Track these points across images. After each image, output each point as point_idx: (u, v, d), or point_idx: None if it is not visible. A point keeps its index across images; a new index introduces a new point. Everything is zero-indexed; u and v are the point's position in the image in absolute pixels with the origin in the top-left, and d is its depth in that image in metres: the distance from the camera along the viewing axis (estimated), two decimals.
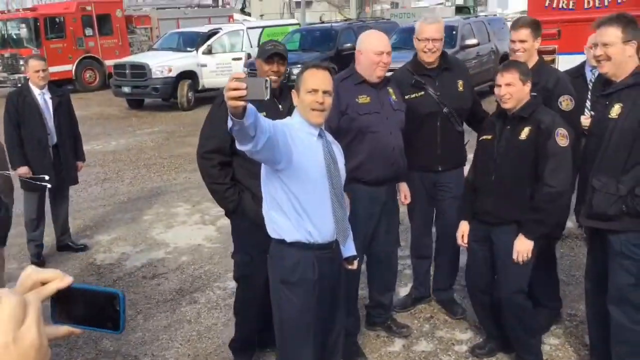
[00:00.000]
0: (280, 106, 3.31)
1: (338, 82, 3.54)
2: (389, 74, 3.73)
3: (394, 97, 3.61)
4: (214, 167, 3.30)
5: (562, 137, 3.09)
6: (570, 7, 5.80)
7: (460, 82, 3.91)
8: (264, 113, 2.68)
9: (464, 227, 3.53)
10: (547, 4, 5.91)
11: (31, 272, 0.79)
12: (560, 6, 5.84)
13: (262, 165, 2.68)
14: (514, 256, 3.21)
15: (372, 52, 3.45)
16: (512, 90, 3.14)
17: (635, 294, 2.91)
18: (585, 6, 5.74)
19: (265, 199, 2.76)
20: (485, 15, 20.89)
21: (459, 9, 36.15)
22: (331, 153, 2.73)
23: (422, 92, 3.81)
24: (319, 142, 2.71)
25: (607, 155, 2.88)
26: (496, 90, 3.24)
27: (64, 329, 0.80)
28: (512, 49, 3.75)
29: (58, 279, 0.79)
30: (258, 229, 2.90)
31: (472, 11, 36.19)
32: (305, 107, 2.65)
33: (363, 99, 3.48)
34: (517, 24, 3.74)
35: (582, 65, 4.80)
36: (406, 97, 3.76)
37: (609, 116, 2.89)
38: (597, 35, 2.94)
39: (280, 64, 3.31)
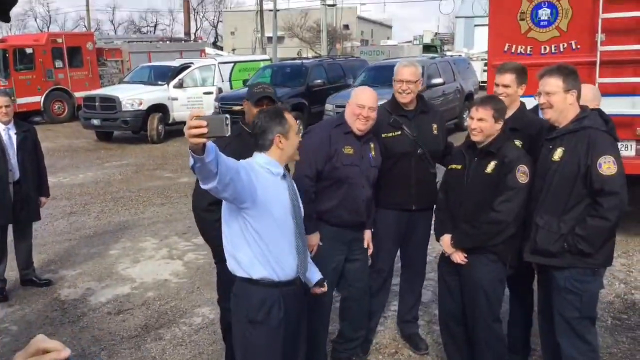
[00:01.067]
0: None
1: (331, 128, 3.68)
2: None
3: (373, 153, 3.75)
4: (218, 221, 2.99)
5: (522, 174, 3.23)
6: (528, 52, 6.09)
7: (435, 126, 4.05)
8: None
9: (446, 239, 3.51)
10: (505, 49, 6.19)
11: (37, 340, 0.97)
12: (518, 51, 6.12)
13: (224, 204, 2.73)
14: (445, 249, 3.46)
15: (355, 104, 3.59)
16: (483, 126, 3.28)
17: (581, 327, 3.05)
18: (542, 52, 6.03)
19: (227, 238, 2.79)
20: (451, 55, 21.52)
21: (427, 48, 37.28)
22: (295, 194, 2.83)
23: (399, 132, 3.94)
24: (284, 181, 2.79)
25: (550, 195, 3.06)
26: (468, 121, 3.38)
27: None
28: (495, 92, 3.76)
29: (57, 351, 0.94)
30: None
31: (438, 50, 37.30)
32: (291, 150, 2.80)
33: (348, 149, 3.61)
34: (503, 69, 3.79)
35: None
36: (383, 135, 3.88)
37: (552, 159, 3.07)
38: (540, 85, 3.13)
39: (269, 107, 3.40)
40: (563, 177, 3.02)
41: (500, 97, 3.59)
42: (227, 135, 2.19)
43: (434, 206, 3.84)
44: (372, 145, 3.74)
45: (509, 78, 3.69)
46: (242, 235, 2.71)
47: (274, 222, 2.70)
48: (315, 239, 3.57)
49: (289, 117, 2.82)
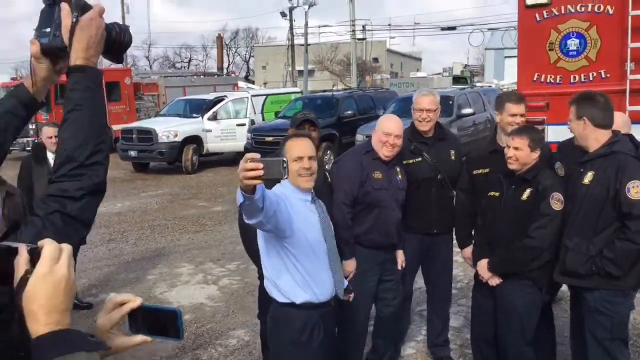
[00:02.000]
0: None
1: (362, 154, 3.84)
2: None
3: (400, 176, 3.90)
4: None
5: (556, 202, 3.30)
6: (558, 81, 6.18)
7: (452, 152, 4.20)
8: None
9: (483, 263, 3.58)
10: (535, 78, 6.28)
11: (111, 297, 1.15)
12: (547, 80, 6.21)
13: (259, 236, 2.84)
14: (481, 273, 3.52)
15: (382, 132, 3.75)
16: (519, 155, 3.37)
17: (613, 347, 3.08)
18: (572, 81, 6.11)
19: (266, 266, 2.90)
20: (481, 86, 21.62)
21: (456, 79, 37.38)
22: (325, 216, 2.94)
23: (420, 159, 4.08)
24: (313, 206, 2.91)
25: (580, 218, 3.13)
26: (506, 150, 3.47)
27: (139, 338, 1.09)
28: (510, 122, 3.75)
29: (131, 301, 1.11)
30: None
31: (468, 81, 37.36)
32: (293, 174, 2.79)
33: (377, 174, 3.76)
34: (515, 99, 3.84)
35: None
36: (404, 162, 4.02)
37: (582, 182, 3.14)
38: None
39: (312, 130, 3.56)
40: (592, 200, 3.09)
41: (513, 127, 3.65)
42: (285, 178, 2.23)
43: (454, 229, 3.94)
44: (397, 169, 3.88)
45: (523, 108, 3.78)
46: (282, 262, 2.80)
47: (309, 245, 2.80)
48: (352, 264, 3.69)
49: (291, 143, 2.87)
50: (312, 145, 2.91)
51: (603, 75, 6.01)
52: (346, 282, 3.20)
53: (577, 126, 3.20)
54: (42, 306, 0.97)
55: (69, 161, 1.37)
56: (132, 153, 15.32)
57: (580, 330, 3.24)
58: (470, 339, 3.98)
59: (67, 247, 1.03)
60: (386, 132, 3.73)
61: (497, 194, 3.55)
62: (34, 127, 16.16)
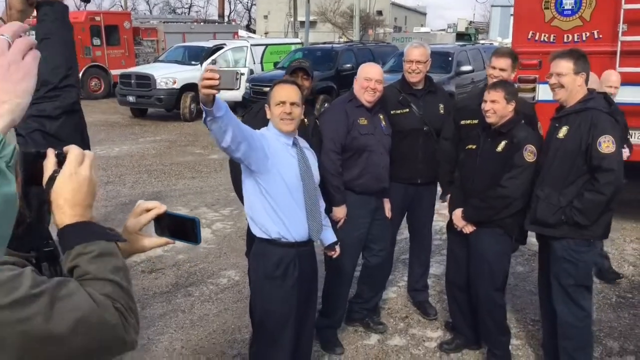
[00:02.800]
0: (305, 120, 3.58)
1: (345, 103, 3.96)
2: None
3: (384, 122, 4.02)
4: None
5: (529, 153, 3.46)
6: (551, 40, 6.24)
7: (441, 106, 4.30)
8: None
9: (458, 213, 3.76)
10: (529, 37, 6.33)
11: (140, 203, 1.33)
12: (541, 39, 6.27)
13: (242, 170, 3.01)
14: (455, 222, 3.72)
15: (363, 77, 3.86)
16: (496, 107, 3.51)
17: (577, 293, 3.30)
18: (565, 40, 6.16)
19: (246, 202, 3.09)
20: (483, 44, 21.45)
21: (460, 36, 36.98)
22: (305, 160, 3.07)
23: (407, 110, 4.20)
24: (294, 150, 3.05)
25: (552, 170, 3.29)
26: (482, 104, 3.61)
27: (164, 239, 1.30)
28: (490, 75, 3.96)
29: (157, 207, 1.31)
30: None
31: (472, 39, 36.95)
32: (275, 117, 2.99)
33: (362, 120, 3.88)
34: (500, 53, 4.00)
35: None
36: (392, 112, 4.14)
37: (557, 136, 3.29)
38: (552, 67, 3.34)
39: (304, 79, 3.67)
40: (565, 153, 3.25)
41: (494, 81, 3.77)
42: (237, 88, 2.41)
43: (439, 177, 4.13)
44: (381, 116, 4.01)
45: (504, 62, 3.87)
46: (258, 199, 2.98)
47: (285, 185, 2.96)
48: (343, 210, 3.85)
49: (277, 88, 3.02)
50: (297, 92, 3.02)
51: (596, 36, 6.07)
52: (332, 237, 3.35)
53: (573, 81, 3.27)
54: (67, 200, 1.12)
55: (44, 84, 1.55)
56: (131, 98, 15.35)
57: (547, 277, 3.45)
58: (445, 285, 4.20)
59: (89, 153, 1.18)
60: (367, 77, 3.84)
61: (474, 146, 3.69)
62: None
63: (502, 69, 3.89)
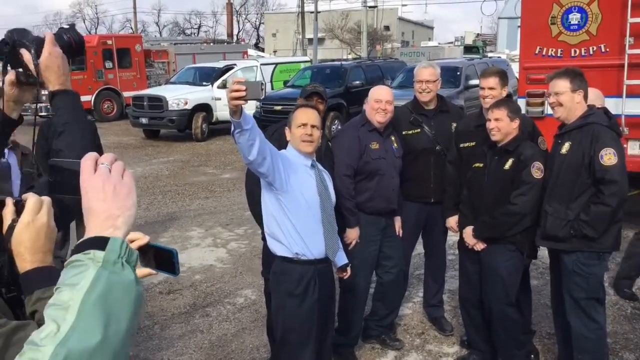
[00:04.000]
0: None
1: (358, 128, 4.07)
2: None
3: (395, 145, 4.12)
4: None
5: (537, 170, 3.54)
6: (559, 55, 6.31)
7: (454, 125, 4.36)
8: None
9: (468, 231, 3.85)
10: (537, 52, 6.40)
11: None
12: (549, 54, 6.35)
13: (262, 188, 3.13)
14: (467, 240, 3.76)
15: (373, 99, 3.97)
16: (500, 125, 3.59)
17: (589, 306, 3.35)
18: (572, 55, 6.23)
19: (266, 220, 3.19)
20: (490, 57, 21.54)
21: (468, 49, 37.09)
22: (323, 181, 3.21)
23: (419, 130, 4.28)
24: (312, 171, 3.18)
25: (558, 185, 3.37)
26: (487, 123, 3.69)
27: (147, 270, 1.31)
28: (481, 95, 4.05)
29: (140, 238, 1.32)
30: None
31: (480, 51, 37.05)
32: (296, 139, 3.14)
33: (374, 145, 3.98)
34: (487, 73, 4.10)
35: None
36: (403, 132, 4.24)
37: (561, 152, 3.38)
38: (550, 86, 3.44)
39: (319, 102, 3.78)
40: (569, 168, 3.34)
41: (486, 100, 3.90)
42: (262, 98, 2.61)
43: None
44: (393, 139, 4.10)
45: (493, 81, 3.95)
46: (279, 215, 3.09)
47: (305, 204, 3.08)
48: (356, 232, 3.94)
49: (299, 111, 3.17)
50: (317, 116, 3.19)
51: (603, 50, 6.14)
52: (344, 259, 3.43)
53: (572, 98, 3.37)
54: (27, 248, 1.19)
55: None
56: (143, 120, 15.57)
57: (559, 291, 3.50)
58: (458, 301, 4.25)
59: (47, 200, 1.24)
60: (377, 99, 3.95)
61: (481, 165, 3.77)
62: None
63: (490, 88, 3.97)
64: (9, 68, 1.69)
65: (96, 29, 65.08)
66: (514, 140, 3.63)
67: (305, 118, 3.13)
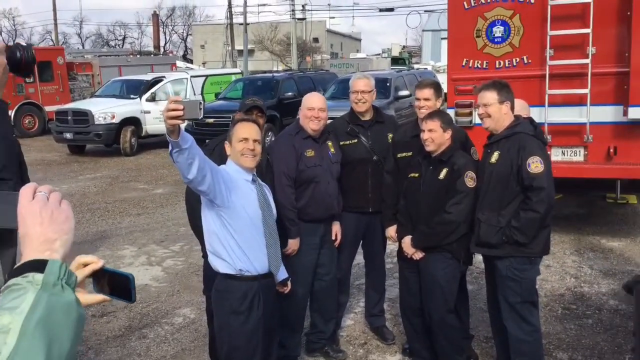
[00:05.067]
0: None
1: (293, 136, 4.05)
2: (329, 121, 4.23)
3: (332, 150, 4.13)
4: None
5: (470, 179, 3.65)
6: (484, 66, 6.57)
7: (389, 135, 4.43)
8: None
9: (407, 240, 3.88)
10: (464, 64, 6.64)
11: (78, 257, 1.27)
12: (475, 66, 6.59)
13: (203, 204, 3.06)
14: (405, 249, 3.82)
15: (306, 108, 3.99)
16: (434, 136, 3.68)
17: (524, 310, 3.48)
18: (497, 66, 6.50)
19: (207, 235, 3.12)
20: (417, 69, 22.17)
21: (395, 60, 38.04)
22: (264, 195, 3.18)
23: (356, 140, 4.33)
24: (253, 185, 3.15)
25: (489, 193, 3.51)
26: (421, 134, 3.77)
27: (100, 297, 1.25)
28: (417, 106, 4.14)
29: (94, 262, 1.24)
30: None
31: (407, 62, 38.08)
32: (237, 153, 3.09)
33: (309, 152, 3.98)
34: (422, 85, 4.19)
35: None
36: (341, 143, 4.27)
37: (490, 161, 3.51)
38: (478, 98, 3.58)
39: (259, 116, 3.75)
40: (499, 177, 3.47)
41: (421, 110, 3.99)
42: (200, 117, 2.53)
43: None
44: (329, 144, 4.12)
45: (428, 92, 4.06)
46: (221, 232, 3.03)
47: (248, 219, 3.04)
48: (296, 243, 3.92)
49: (239, 125, 3.12)
50: (258, 130, 3.16)
51: (525, 61, 6.43)
52: (285, 273, 3.41)
53: (499, 109, 3.51)
54: None
55: None
56: (68, 135, 14.96)
57: (495, 296, 3.61)
58: (399, 310, 4.30)
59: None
60: (309, 106, 3.97)
61: (416, 175, 3.85)
62: None
63: (426, 99, 4.07)
64: None
65: (14, 41, 62.09)
66: (448, 150, 3.74)
67: (247, 132, 3.09)
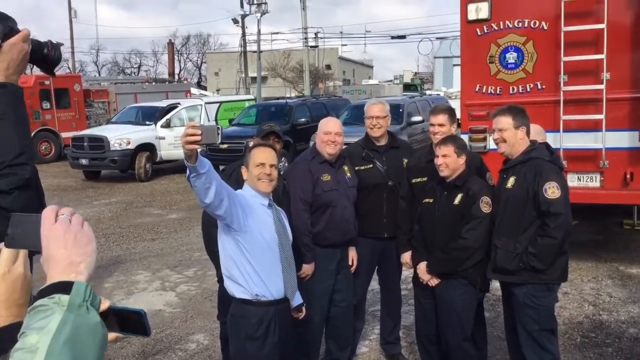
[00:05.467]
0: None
1: (309, 161, 4.07)
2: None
3: (348, 174, 4.14)
4: None
5: (485, 205, 3.63)
6: (498, 92, 6.58)
7: (405, 160, 4.43)
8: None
9: (422, 266, 3.86)
10: (477, 90, 6.66)
11: None
12: (488, 91, 6.61)
13: (219, 229, 3.07)
14: (421, 276, 3.77)
15: (323, 132, 4.01)
16: (448, 161, 3.67)
17: (542, 337, 3.42)
18: (510, 92, 6.51)
19: (224, 262, 3.12)
20: (430, 94, 22.25)
21: (407, 87, 38.27)
22: (280, 220, 3.18)
23: (371, 165, 4.34)
24: (269, 210, 3.16)
25: (505, 219, 3.48)
26: (435, 160, 3.76)
27: (113, 335, 1.23)
28: (431, 132, 4.15)
29: (101, 303, 1.23)
30: None
31: (419, 89, 38.27)
32: (253, 178, 3.11)
33: (325, 177, 4.00)
34: (437, 110, 4.21)
35: None
36: (356, 168, 4.28)
37: (506, 187, 3.49)
38: (494, 123, 3.57)
39: (275, 142, 3.78)
40: (515, 202, 3.45)
41: (436, 136, 3.99)
42: (218, 142, 2.57)
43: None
44: (345, 168, 4.13)
45: (442, 118, 4.06)
46: (237, 256, 3.03)
47: (264, 243, 3.05)
48: (311, 268, 3.91)
49: (256, 150, 3.15)
50: (274, 155, 3.19)
51: (539, 87, 6.44)
52: (300, 299, 3.39)
53: (514, 134, 3.51)
54: (2, 302, 1.13)
55: None
56: (84, 161, 15.14)
57: (513, 323, 3.56)
58: (415, 337, 4.25)
59: (23, 251, 1.18)
60: (326, 131, 3.99)
61: (431, 200, 3.84)
62: None
63: (440, 125, 4.08)
64: None
65: (31, 69, 63.30)
66: (462, 176, 3.72)
67: (264, 158, 3.12)
